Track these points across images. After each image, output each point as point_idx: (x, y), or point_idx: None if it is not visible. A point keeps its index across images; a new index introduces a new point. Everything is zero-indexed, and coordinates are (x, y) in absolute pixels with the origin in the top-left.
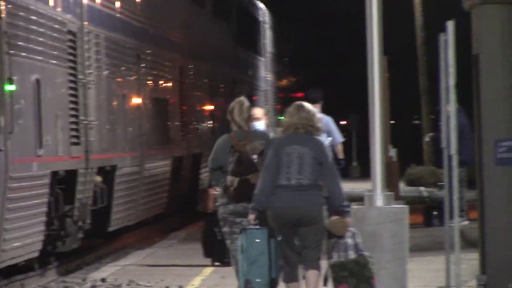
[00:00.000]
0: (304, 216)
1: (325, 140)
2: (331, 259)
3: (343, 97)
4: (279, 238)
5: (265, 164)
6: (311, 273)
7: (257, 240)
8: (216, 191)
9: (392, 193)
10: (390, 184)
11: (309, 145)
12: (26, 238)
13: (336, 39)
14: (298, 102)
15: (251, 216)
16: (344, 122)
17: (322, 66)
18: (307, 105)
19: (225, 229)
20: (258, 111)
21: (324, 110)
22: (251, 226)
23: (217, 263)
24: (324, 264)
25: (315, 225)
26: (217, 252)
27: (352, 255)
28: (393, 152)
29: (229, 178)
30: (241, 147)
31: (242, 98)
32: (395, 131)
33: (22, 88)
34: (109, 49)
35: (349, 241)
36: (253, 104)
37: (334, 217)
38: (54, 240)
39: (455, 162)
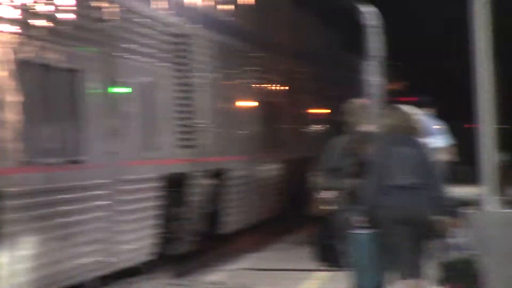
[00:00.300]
0: (412, 216)
1: (435, 142)
2: (436, 259)
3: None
4: (387, 239)
5: (371, 165)
6: (410, 282)
7: (364, 243)
8: (329, 194)
9: (504, 197)
10: (502, 188)
11: (412, 146)
12: (138, 241)
13: (444, 43)
14: (395, 105)
15: (359, 218)
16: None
17: (432, 70)
18: (404, 107)
19: (346, 233)
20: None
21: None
22: (358, 229)
23: (329, 268)
24: (428, 264)
25: (423, 226)
26: (330, 256)
27: (455, 254)
28: (507, 156)
29: (353, 181)
30: (363, 150)
31: (358, 100)
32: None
33: (134, 90)
34: (221, 52)
35: (453, 240)
36: None
37: (438, 217)
38: (165, 243)
39: None
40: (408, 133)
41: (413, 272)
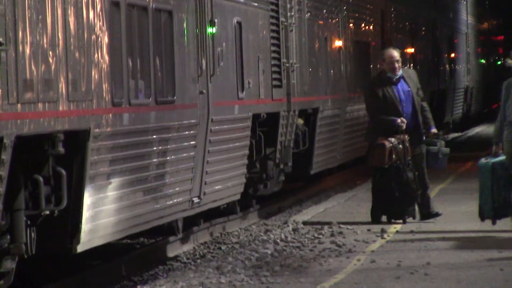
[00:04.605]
0: None
1: None
2: None
3: None
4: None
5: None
6: None
7: (487, 171)
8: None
9: None
10: None
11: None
12: (227, 181)
13: None
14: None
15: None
16: None
17: None
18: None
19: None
20: (396, 53)
21: None
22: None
23: (394, 221)
24: None
25: None
26: (395, 209)
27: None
28: None
29: None
30: None
31: None
32: None
33: (223, 31)
34: None
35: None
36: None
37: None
38: (255, 183)
39: None
40: None
41: None
